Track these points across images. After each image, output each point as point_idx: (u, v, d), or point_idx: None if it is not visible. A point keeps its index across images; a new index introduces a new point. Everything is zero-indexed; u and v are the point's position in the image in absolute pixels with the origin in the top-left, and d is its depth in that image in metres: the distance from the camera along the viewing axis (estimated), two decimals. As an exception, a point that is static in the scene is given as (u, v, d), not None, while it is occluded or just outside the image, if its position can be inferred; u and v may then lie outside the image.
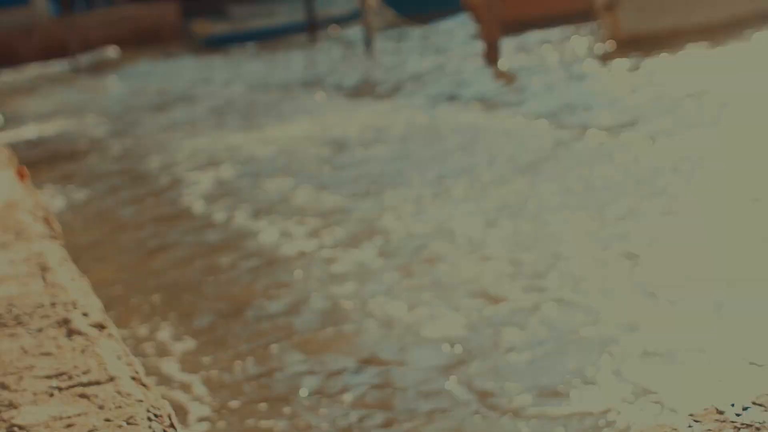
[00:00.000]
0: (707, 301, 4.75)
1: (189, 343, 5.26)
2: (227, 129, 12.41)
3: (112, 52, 26.37)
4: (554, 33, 16.88)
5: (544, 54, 14.40)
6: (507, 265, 5.74)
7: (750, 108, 8.89)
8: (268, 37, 26.67)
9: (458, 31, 20.31)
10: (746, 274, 5.03)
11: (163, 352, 5.19)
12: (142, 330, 5.52)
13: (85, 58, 25.99)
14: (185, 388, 4.69)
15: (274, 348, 5.02)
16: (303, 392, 4.45)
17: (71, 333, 2.27)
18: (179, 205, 8.64)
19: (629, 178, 7.21)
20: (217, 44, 26.43)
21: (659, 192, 6.73)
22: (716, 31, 13.81)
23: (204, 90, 17.31)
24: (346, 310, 5.42)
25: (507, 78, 13.00)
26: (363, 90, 14.23)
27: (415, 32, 21.31)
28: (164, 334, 5.43)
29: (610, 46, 14.20)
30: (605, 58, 13.46)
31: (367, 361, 4.69)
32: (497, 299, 5.22)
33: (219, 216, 8.02)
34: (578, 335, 4.60)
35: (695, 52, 12.64)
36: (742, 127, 8.24)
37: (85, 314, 2.39)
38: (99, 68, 24.49)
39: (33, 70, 26.31)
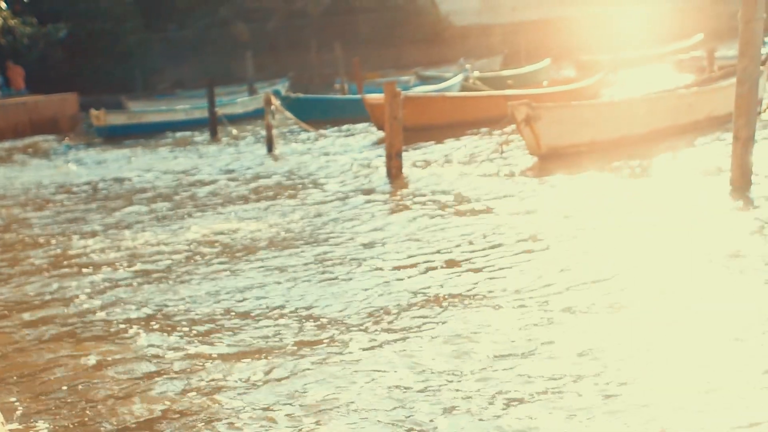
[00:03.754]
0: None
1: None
2: (120, 229, 12.10)
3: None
4: (465, 140, 17.06)
5: (449, 166, 14.47)
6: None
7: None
8: (167, 131, 26.55)
9: (363, 137, 20.47)
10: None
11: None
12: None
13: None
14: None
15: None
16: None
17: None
18: (57, 304, 8.35)
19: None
20: (114, 135, 26.17)
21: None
22: (635, 145, 14.13)
23: (92, 186, 17.03)
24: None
25: (405, 190, 12.94)
26: (260, 192, 14.10)
27: (318, 136, 21.41)
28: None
29: (529, 160, 14.32)
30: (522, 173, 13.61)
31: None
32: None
33: (98, 315, 7.80)
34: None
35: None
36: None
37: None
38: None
39: None
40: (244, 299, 7.90)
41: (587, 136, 14.59)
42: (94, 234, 11.65)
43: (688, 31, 52.29)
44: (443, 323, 6.68)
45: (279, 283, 8.35)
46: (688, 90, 16.61)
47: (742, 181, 10.30)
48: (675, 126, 15.27)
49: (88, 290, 8.67)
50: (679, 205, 10.07)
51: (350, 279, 8.25)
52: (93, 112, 27.28)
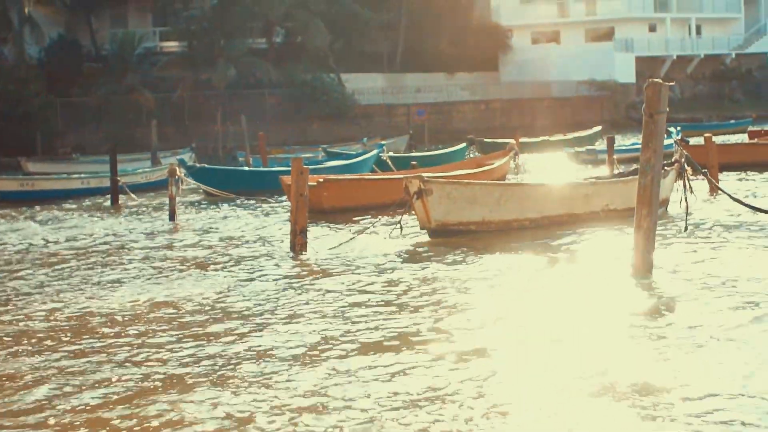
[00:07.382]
0: None
1: None
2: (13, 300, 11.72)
3: None
4: (371, 219, 16.97)
5: (351, 244, 14.37)
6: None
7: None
8: (64, 198, 25.94)
9: (269, 211, 20.31)
10: None
11: None
12: None
13: None
14: None
15: None
16: None
17: None
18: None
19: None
20: (6, 200, 25.39)
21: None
22: (528, 230, 14.18)
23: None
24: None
25: (307, 269, 12.75)
26: (155, 267, 13.67)
27: (223, 207, 21.18)
28: None
29: (419, 235, 14.30)
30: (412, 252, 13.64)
31: None
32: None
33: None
34: None
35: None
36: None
37: None
38: None
39: None
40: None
41: (478, 216, 14.61)
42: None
43: (588, 121, 53.80)
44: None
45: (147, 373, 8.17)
46: (585, 181, 16.88)
47: (643, 269, 10.48)
48: (570, 215, 15.35)
49: None
50: (583, 292, 10.19)
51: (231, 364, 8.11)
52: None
